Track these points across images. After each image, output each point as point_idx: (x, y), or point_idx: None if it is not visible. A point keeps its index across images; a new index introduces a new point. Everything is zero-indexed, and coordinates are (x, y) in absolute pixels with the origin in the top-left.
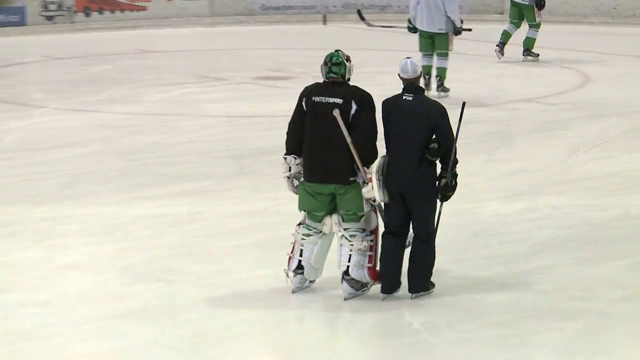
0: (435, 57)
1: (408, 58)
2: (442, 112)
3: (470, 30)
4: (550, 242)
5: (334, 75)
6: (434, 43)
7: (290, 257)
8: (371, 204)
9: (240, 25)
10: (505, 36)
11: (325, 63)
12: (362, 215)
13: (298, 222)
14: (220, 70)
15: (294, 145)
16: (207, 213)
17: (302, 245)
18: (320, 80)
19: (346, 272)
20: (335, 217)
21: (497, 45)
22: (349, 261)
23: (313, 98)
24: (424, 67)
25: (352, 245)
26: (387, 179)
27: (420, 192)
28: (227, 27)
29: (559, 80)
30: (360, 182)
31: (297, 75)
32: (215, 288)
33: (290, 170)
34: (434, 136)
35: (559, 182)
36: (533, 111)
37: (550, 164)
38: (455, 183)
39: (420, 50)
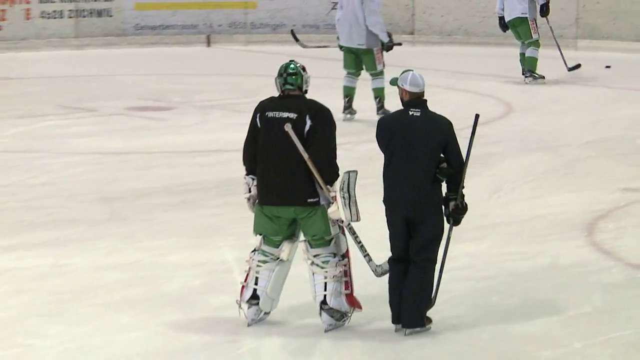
0: (371, 79)
1: (411, 71)
2: (451, 127)
3: (400, 44)
4: (469, 295)
5: (290, 87)
6: (361, 62)
7: (243, 287)
8: (339, 225)
9: (110, 48)
10: (524, 58)
11: (280, 74)
12: (331, 239)
13: (252, 249)
14: (88, 100)
15: (250, 166)
16: (74, 265)
17: (257, 273)
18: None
19: (324, 302)
20: (301, 244)
21: (523, 74)
22: (325, 290)
23: (267, 113)
24: (344, 87)
25: (326, 272)
26: (391, 202)
27: (428, 215)
28: (95, 50)
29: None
30: (325, 204)
31: (177, 105)
32: (81, 353)
33: (250, 192)
34: (441, 154)
35: (479, 227)
36: None
37: (469, 206)
38: (466, 204)
39: (344, 68)
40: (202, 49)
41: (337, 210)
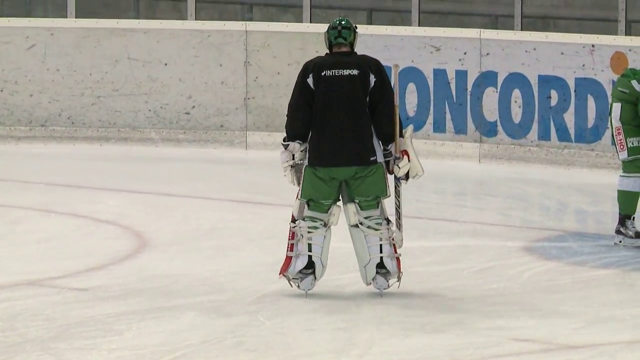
0: None
1: None
2: None
3: None
4: None
5: (342, 40)
6: None
7: (290, 258)
8: (399, 182)
9: None
10: None
11: (333, 27)
12: (379, 202)
13: (291, 219)
14: None
15: (299, 130)
16: None
17: (309, 239)
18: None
19: (380, 265)
20: (350, 205)
21: None
22: (381, 252)
23: (324, 73)
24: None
25: (381, 234)
26: None
27: None
28: None
29: (97, 249)
30: (382, 161)
31: None
32: None
33: (293, 158)
34: None
35: None
36: (43, 302)
37: None
38: None
39: None
40: None
41: (407, 164)
